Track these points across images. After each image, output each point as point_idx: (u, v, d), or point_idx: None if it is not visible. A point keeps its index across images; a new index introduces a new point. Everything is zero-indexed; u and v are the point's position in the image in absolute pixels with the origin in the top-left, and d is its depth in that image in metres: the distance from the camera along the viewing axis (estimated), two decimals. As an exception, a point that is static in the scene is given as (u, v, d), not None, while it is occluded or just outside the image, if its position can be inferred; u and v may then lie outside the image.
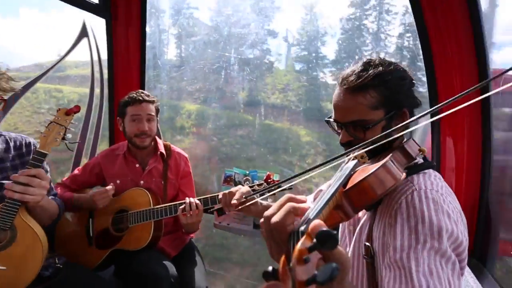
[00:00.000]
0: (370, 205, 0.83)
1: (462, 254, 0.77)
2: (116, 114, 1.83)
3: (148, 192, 1.69)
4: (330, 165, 0.86)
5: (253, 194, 1.23)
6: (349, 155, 0.87)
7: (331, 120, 1.00)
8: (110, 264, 1.72)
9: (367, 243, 0.90)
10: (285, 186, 1.09)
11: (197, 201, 1.57)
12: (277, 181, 1.61)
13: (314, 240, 0.40)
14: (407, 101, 0.92)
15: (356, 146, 0.77)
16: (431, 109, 0.72)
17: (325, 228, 0.41)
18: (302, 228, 0.48)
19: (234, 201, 1.20)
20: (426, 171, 0.89)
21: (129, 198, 1.73)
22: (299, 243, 0.42)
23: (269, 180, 1.62)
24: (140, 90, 1.76)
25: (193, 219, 1.54)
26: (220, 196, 1.32)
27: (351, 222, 1.09)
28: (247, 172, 1.86)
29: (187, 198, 1.57)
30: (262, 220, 0.59)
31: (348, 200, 0.68)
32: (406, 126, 0.93)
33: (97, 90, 2.43)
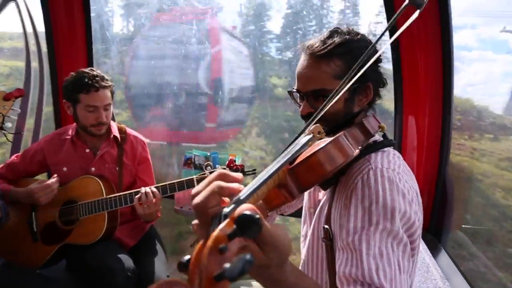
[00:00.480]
0: (320, 183, 0.78)
1: (414, 235, 0.76)
2: (62, 94, 1.61)
3: (99, 181, 1.53)
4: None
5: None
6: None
7: (294, 90, 0.93)
8: (61, 258, 1.57)
9: (325, 226, 0.86)
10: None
11: (154, 190, 1.45)
12: (240, 165, 1.54)
13: (234, 226, 0.35)
14: (372, 75, 0.87)
15: (312, 118, 0.70)
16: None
17: (248, 212, 0.36)
18: (227, 210, 0.41)
19: None
20: (385, 149, 0.85)
21: (78, 187, 1.56)
22: (217, 229, 0.36)
23: (232, 165, 1.54)
24: (94, 73, 1.54)
25: (150, 209, 1.43)
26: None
27: (311, 203, 1.06)
28: (208, 154, 1.77)
29: (142, 188, 1.45)
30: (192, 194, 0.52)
31: (293, 178, 0.61)
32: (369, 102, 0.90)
33: (34, 64, 2.14)
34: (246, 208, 0.38)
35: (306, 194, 1.16)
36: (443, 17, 1.30)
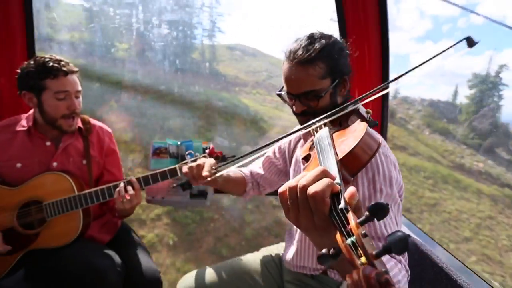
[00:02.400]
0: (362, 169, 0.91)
1: (402, 196, 0.98)
2: (18, 85, 1.38)
3: (68, 177, 1.39)
4: (289, 137, 0.94)
5: (221, 165, 1.21)
6: (310, 126, 0.93)
7: (283, 93, 1.07)
8: (21, 268, 1.38)
9: None
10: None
11: (135, 181, 1.39)
12: (220, 152, 1.57)
13: (367, 213, 0.41)
14: (346, 69, 1.04)
15: (323, 116, 0.86)
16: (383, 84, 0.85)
17: (380, 201, 0.43)
18: (343, 203, 0.47)
19: (206, 173, 1.15)
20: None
21: (41, 185, 1.38)
22: (352, 217, 0.43)
23: (213, 153, 1.56)
24: (57, 57, 1.36)
25: (131, 203, 1.36)
26: (185, 170, 1.22)
27: None
28: (178, 143, 1.74)
29: (121, 182, 1.37)
30: (286, 188, 0.55)
31: (344, 167, 0.70)
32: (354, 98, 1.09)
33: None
34: (354, 191, 0.47)
35: (294, 170, 1.28)
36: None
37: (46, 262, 1.32)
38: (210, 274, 1.33)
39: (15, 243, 1.34)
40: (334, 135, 0.84)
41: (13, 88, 1.47)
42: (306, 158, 0.88)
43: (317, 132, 0.90)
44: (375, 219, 0.41)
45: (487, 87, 17.51)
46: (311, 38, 0.99)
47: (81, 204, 1.35)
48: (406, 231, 1.52)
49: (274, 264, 1.37)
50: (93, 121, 1.58)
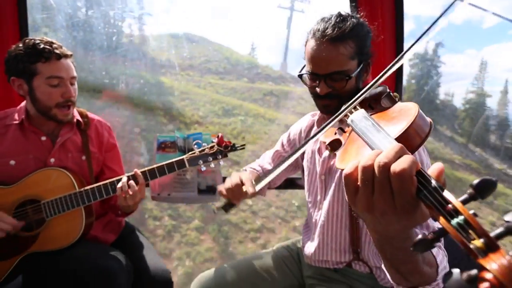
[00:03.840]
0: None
1: None
2: (5, 71, 1.26)
3: (68, 173, 1.28)
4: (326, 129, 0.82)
5: (261, 178, 1.11)
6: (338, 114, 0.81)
7: (304, 73, 1.01)
8: (20, 272, 1.28)
9: None
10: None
11: (139, 174, 1.29)
12: (229, 142, 1.49)
13: (471, 190, 0.37)
14: (370, 52, 1.01)
15: (354, 99, 0.71)
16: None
17: (483, 178, 0.38)
18: (434, 182, 0.42)
19: (250, 190, 1.07)
20: None
21: (38, 183, 1.27)
22: (452, 196, 0.38)
23: (223, 143, 1.48)
24: (49, 39, 1.25)
25: (135, 199, 1.26)
26: (223, 192, 1.15)
27: (322, 171, 1.14)
28: (186, 136, 1.65)
29: (124, 176, 1.28)
30: (354, 168, 0.49)
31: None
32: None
33: None
34: (440, 167, 0.42)
35: (309, 163, 1.21)
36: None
37: (48, 265, 1.22)
38: (226, 272, 1.25)
39: (12, 247, 1.23)
40: (374, 116, 0.75)
41: (3, 80, 1.35)
42: (333, 144, 0.80)
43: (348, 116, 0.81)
44: (483, 198, 0.35)
45: (426, 65, 18.06)
46: (342, 16, 0.96)
47: (83, 202, 1.26)
48: None
49: (292, 259, 1.30)
50: (90, 114, 1.48)
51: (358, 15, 1.01)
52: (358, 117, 0.74)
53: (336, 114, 0.76)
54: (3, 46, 1.60)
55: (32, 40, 1.23)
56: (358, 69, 0.97)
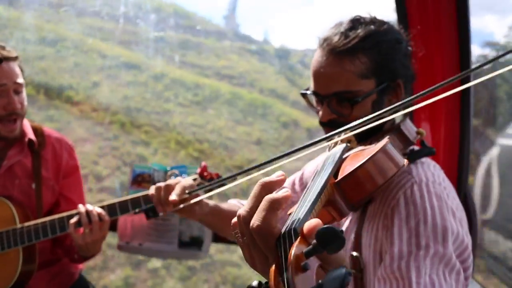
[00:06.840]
0: (367, 200, 0.69)
1: (467, 261, 0.68)
2: None
3: (8, 203, 1.04)
4: (300, 154, 0.63)
5: (199, 189, 0.85)
6: (331, 139, 0.65)
7: (309, 92, 0.81)
8: None
9: (354, 253, 0.75)
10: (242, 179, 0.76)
11: (99, 210, 1.05)
12: (216, 174, 1.26)
13: (314, 241, 0.33)
14: (402, 71, 0.78)
15: (343, 129, 0.55)
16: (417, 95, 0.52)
17: (326, 225, 0.33)
18: (293, 226, 0.39)
19: (173, 197, 0.79)
20: (423, 159, 0.77)
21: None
22: (294, 248, 0.35)
23: (205, 174, 1.25)
24: None
25: (94, 236, 1.01)
26: (151, 192, 0.88)
27: None
28: (168, 168, 1.41)
29: (81, 206, 1.03)
30: (234, 221, 0.44)
31: (341, 194, 0.55)
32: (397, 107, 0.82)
33: None
34: (317, 224, 0.36)
35: None
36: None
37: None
38: None
39: None
40: (351, 154, 0.66)
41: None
42: None
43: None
44: (329, 251, 0.32)
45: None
46: (355, 21, 0.76)
47: (22, 241, 1.00)
48: None
49: None
50: (48, 131, 1.25)
51: (385, 20, 0.79)
52: (335, 151, 0.64)
53: (318, 139, 0.57)
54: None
55: None
56: (374, 91, 0.75)
